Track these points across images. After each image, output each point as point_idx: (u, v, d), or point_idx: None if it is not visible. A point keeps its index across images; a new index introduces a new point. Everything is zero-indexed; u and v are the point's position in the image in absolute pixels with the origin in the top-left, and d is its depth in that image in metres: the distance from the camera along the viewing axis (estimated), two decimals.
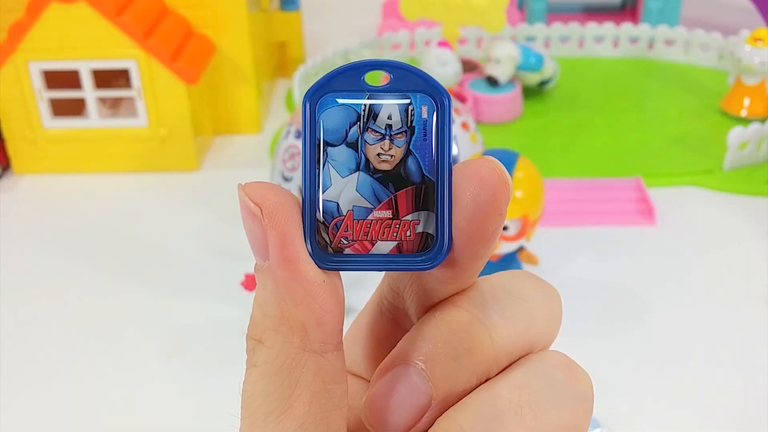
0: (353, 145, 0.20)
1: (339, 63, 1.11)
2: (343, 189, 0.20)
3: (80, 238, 0.82)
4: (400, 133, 0.20)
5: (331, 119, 0.20)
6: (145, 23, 0.86)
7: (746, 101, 0.99)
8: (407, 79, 0.20)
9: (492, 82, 1.00)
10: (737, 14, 1.29)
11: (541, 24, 1.17)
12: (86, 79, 0.89)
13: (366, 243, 0.20)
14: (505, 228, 0.65)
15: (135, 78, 0.88)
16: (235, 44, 0.96)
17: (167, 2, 0.93)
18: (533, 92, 1.06)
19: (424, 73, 0.20)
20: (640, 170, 0.89)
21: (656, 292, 0.72)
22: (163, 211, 0.86)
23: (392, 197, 0.20)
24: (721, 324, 0.68)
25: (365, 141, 0.20)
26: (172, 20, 0.92)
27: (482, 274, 0.21)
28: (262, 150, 0.97)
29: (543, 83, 1.05)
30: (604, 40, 1.17)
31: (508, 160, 0.66)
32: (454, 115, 0.75)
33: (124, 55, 0.87)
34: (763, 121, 0.90)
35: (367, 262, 0.20)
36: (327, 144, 0.20)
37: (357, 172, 0.20)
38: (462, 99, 0.97)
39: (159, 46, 0.86)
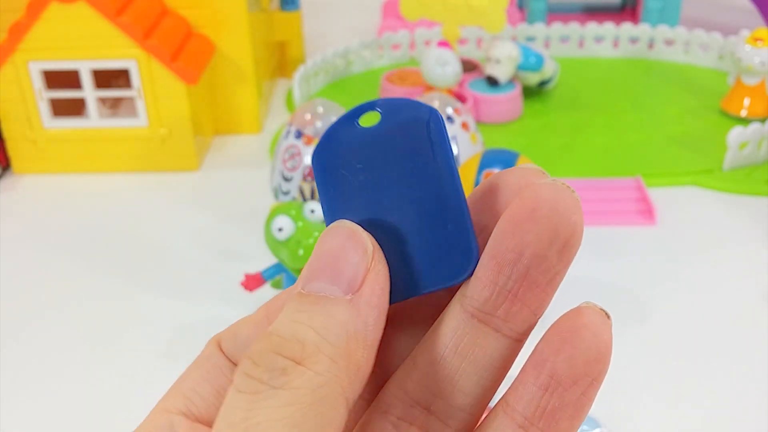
0: None
1: (339, 63, 1.11)
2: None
3: (80, 238, 0.82)
4: None
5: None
6: (145, 23, 0.87)
7: (746, 101, 0.99)
8: (395, 110, 0.20)
9: (492, 82, 1.00)
10: (737, 14, 1.29)
11: (541, 24, 1.17)
12: (86, 79, 0.89)
13: None
14: None
15: (135, 78, 0.88)
16: (235, 44, 0.96)
17: (167, 2, 0.93)
18: (533, 92, 1.06)
19: (406, 99, 0.20)
20: (640, 170, 0.89)
21: (656, 292, 0.72)
22: (163, 211, 0.86)
23: None
24: (721, 324, 0.68)
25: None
26: (172, 20, 0.92)
27: None
28: (262, 150, 0.97)
29: (543, 83, 1.05)
30: (604, 40, 1.17)
31: (508, 160, 0.66)
32: (454, 114, 0.75)
33: (124, 55, 0.87)
34: (763, 121, 0.90)
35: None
36: None
37: None
38: (462, 99, 0.97)
39: (159, 46, 0.86)
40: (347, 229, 0.19)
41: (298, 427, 0.16)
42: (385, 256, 0.19)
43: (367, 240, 0.19)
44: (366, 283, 0.19)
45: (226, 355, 0.21)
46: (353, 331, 0.18)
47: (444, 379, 0.19)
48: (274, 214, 0.63)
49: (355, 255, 0.19)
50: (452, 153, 0.20)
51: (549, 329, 0.18)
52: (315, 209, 0.64)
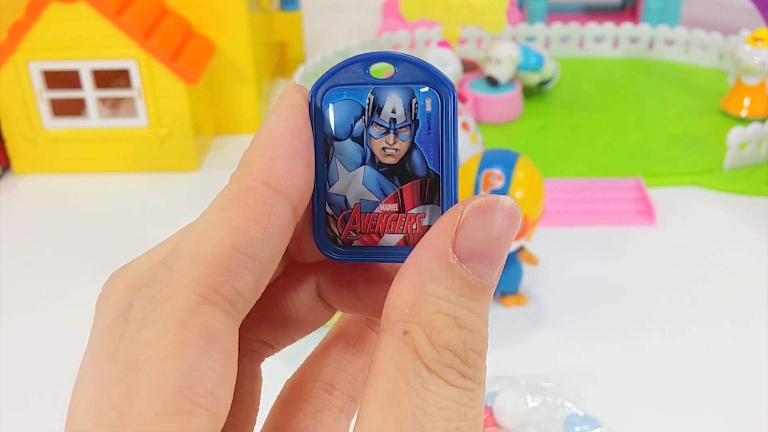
0: (359, 139, 0.20)
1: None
2: (350, 183, 0.20)
3: (80, 238, 0.82)
4: (405, 126, 0.20)
5: (336, 113, 0.20)
6: (145, 23, 0.86)
7: (746, 101, 0.99)
8: (412, 71, 0.19)
9: (492, 82, 1.00)
10: (737, 14, 1.29)
11: (541, 24, 1.17)
12: (86, 79, 0.89)
13: (374, 236, 0.20)
14: None
15: (135, 78, 0.88)
16: (235, 44, 0.96)
17: (167, 2, 0.93)
18: (533, 92, 1.06)
19: (429, 65, 0.19)
20: (640, 170, 0.89)
21: (656, 292, 0.72)
22: (163, 211, 0.86)
23: (398, 191, 0.20)
24: (721, 324, 0.68)
25: (370, 135, 0.20)
26: (172, 20, 0.92)
27: None
28: None
29: (543, 83, 1.05)
30: (604, 40, 1.17)
31: (508, 160, 0.66)
32: (460, 105, 0.75)
33: (124, 55, 0.87)
34: (763, 121, 0.90)
35: (375, 253, 0.20)
36: (333, 138, 0.20)
37: (363, 166, 0.20)
38: (462, 99, 0.97)
39: (159, 46, 0.86)
40: (516, 211, 0.18)
41: (480, 426, 0.18)
42: None
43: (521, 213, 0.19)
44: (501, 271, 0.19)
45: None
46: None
47: None
48: None
49: (511, 243, 0.18)
50: (456, 134, 0.19)
51: None
52: None
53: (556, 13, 1.26)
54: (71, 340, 0.69)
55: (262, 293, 0.19)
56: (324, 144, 0.20)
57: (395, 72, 0.20)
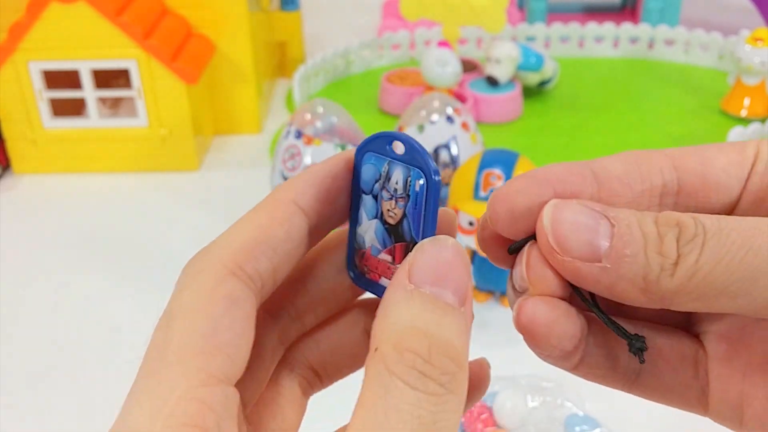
0: (375, 198, 0.24)
1: (339, 63, 1.11)
2: (368, 229, 0.24)
3: (80, 238, 0.82)
4: (402, 197, 0.23)
5: (365, 173, 0.24)
6: (145, 23, 0.87)
7: (746, 101, 0.99)
8: (413, 153, 0.23)
9: (492, 82, 1.00)
10: (737, 14, 1.29)
11: (541, 24, 1.17)
12: (86, 79, 0.89)
13: (376, 275, 0.25)
14: None
15: (135, 78, 0.88)
16: (235, 44, 0.96)
17: (167, 2, 0.93)
18: (533, 92, 1.06)
19: (423, 152, 0.23)
20: None
21: None
22: (163, 211, 0.86)
23: (393, 246, 0.24)
24: None
25: (381, 197, 0.24)
26: (172, 20, 0.92)
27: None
28: (262, 150, 0.97)
29: (543, 83, 1.05)
30: (604, 40, 1.17)
31: (508, 160, 0.66)
32: (454, 114, 0.75)
33: (124, 55, 0.87)
34: (763, 121, 0.90)
35: (376, 290, 0.25)
36: (362, 191, 0.24)
37: (375, 219, 0.24)
38: (462, 99, 0.97)
39: (159, 46, 0.86)
40: (458, 246, 0.21)
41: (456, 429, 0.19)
42: None
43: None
44: (467, 299, 0.21)
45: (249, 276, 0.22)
46: (467, 343, 0.20)
47: None
48: None
49: (466, 272, 0.21)
50: (434, 214, 0.23)
51: None
52: None
53: (556, 13, 1.26)
54: (71, 340, 0.69)
55: (325, 325, 0.26)
56: (358, 193, 0.24)
57: (405, 151, 0.23)
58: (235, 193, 0.89)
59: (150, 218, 0.85)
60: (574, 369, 0.24)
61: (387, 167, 0.23)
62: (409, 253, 0.21)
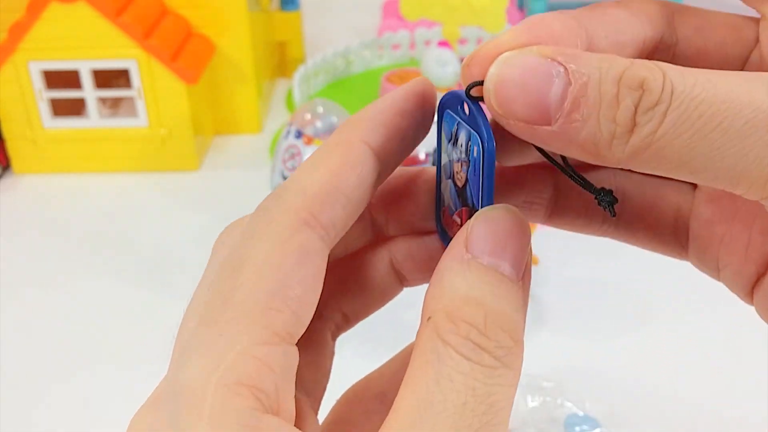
0: (449, 157, 0.23)
1: (339, 63, 1.11)
2: (446, 188, 0.24)
3: (80, 238, 0.82)
4: (465, 161, 0.22)
5: (445, 130, 0.23)
6: (145, 23, 0.86)
7: None
8: (473, 116, 0.21)
9: None
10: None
11: None
12: (86, 79, 0.89)
13: (453, 234, 0.22)
14: None
15: (135, 78, 0.88)
16: (235, 44, 0.96)
17: (167, 2, 0.93)
18: None
19: (482, 115, 0.21)
20: None
21: (657, 292, 0.72)
22: (163, 211, 0.86)
23: (461, 210, 0.23)
24: (722, 323, 0.68)
25: (451, 158, 0.23)
26: (172, 20, 0.92)
27: None
28: (262, 150, 0.97)
29: None
30: None
31: None
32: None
33: (124, 55, 0.87)
34: None
35: None
36: (441, 150, 0.24)
37: (449, 180, 0.23)
38: None
39: (159, 46, 0.86)
40: (518, 216, 0.20)
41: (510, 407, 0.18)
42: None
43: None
44: (526, 271, 0.20)
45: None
46: (523, 318, 0.20)
47: None
48: None
49: (526, 243, 0.20)
50: (490, 185, 0.21)
51: None
52: None
53: None
54: (71, 340, 0.69)
55: (347, 266, 0.25)
56: (439, 151, 0.23)
57: (469, 113, 0.21)
58: (235, 193, 0.89)
59: (150, 218, 0.85)
60: (548, 219, 0.24)
61: (456, 128, 0.22)
62: (468, 221, 0.20)
